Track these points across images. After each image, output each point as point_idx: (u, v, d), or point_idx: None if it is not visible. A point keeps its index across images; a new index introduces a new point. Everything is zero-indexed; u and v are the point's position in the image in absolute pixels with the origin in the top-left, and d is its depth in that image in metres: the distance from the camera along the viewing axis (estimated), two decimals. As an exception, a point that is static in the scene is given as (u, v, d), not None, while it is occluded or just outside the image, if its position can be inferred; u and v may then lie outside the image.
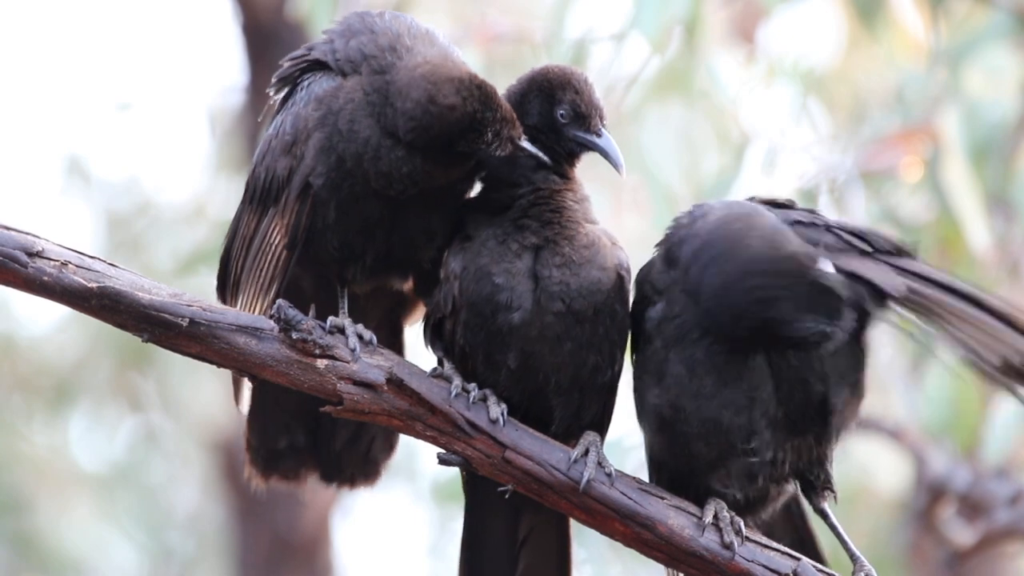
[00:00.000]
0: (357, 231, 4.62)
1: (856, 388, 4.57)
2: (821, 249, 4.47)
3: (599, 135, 4.64)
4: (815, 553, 4.78)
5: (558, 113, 4.62)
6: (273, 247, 4.67)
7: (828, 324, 4.35)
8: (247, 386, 4.84)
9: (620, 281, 4.62)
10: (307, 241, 4.64)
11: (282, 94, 4.76)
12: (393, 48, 4.60)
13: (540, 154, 4.58)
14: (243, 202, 4.79)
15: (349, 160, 4.57)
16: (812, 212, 4.60)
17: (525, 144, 4.55)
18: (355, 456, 4.95)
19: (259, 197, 4.71)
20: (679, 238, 4.56)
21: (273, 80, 4.78)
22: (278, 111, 4.74)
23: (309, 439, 4.93)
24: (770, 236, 4.42)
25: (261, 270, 4.68)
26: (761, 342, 4.43)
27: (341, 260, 4.66)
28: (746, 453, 4.53)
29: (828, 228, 4.55)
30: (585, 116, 4.63)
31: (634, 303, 4.65)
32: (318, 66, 4.68)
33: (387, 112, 4.53)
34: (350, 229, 4.62)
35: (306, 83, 4.67)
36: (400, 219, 4.61)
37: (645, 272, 4.64)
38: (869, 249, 4.52)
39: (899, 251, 4.55)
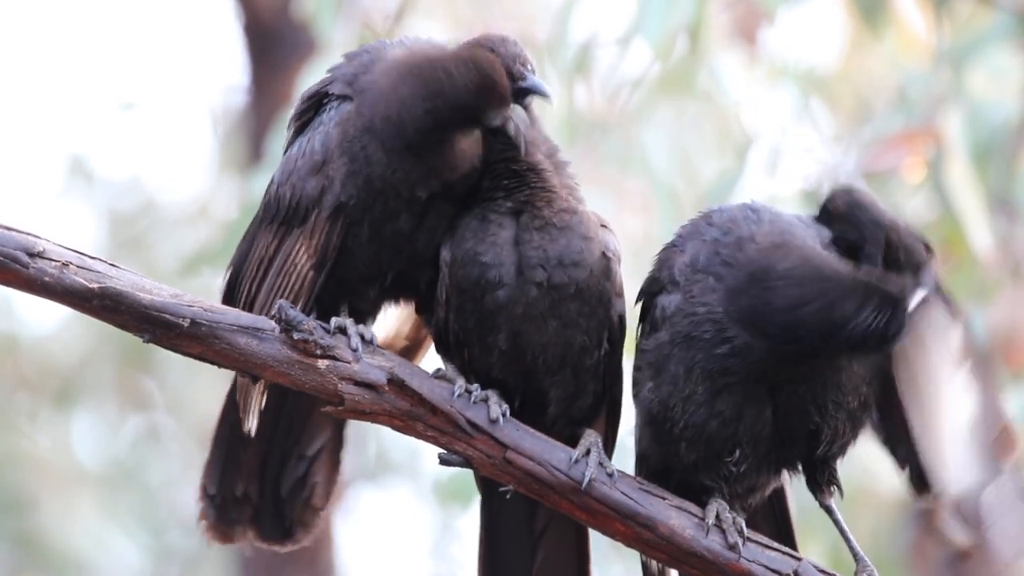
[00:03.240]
0: (388, 248, 4.63)
1: (854, 423, 4.58)
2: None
3: (524, 79, 4.65)
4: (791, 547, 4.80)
5: None
6: (299, 268, 4.66)
7: (890, 318, 4.37)
8: (254, 406, 4.84)
9: (607, 262, 4.62)
10: (335, 261, 4.64)
11: (300, 122, 4.76)
12: (373, 62, 4.65)
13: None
14: (259, 223, 4.77)
15: (376, 181, 4.59)
16: None
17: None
18: (297, 503, 4.95)
19: (282, 218, 4.69)
20: (721, 258, 4.53)
21: (297, 105, 4.78)
22: (301, 132, 4.74)
23: (260, 488, 4.94)
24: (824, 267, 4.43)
25: (283, 291, 4.67)
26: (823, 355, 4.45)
27: (367, 279, 4.67)
28: (728, 463, 4.56)
29: None
30: (506, 67, 4.63)
31: (646, 286, 4.65)
32: (336, 97, 4.70)
33: (376, 124, 4.57)
34: (382, 247, 4.63)
35: (333, 105, 4.68)
36: (420, 233, 4.63)
37: (665, 260, 4.64)
38: None
39: None
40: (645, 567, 4.83)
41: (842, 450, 4.60)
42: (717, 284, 4.49)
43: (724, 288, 4.48)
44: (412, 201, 4.60)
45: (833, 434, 4.55)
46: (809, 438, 4.55)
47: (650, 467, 4.64)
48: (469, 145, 4.59)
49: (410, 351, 4.93)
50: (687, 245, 4.60)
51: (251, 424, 4.79)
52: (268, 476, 4.93)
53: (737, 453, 4.53)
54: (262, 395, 4.77)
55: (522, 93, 4.66)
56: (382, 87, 4.59)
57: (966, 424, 4.53)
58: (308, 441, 4.93)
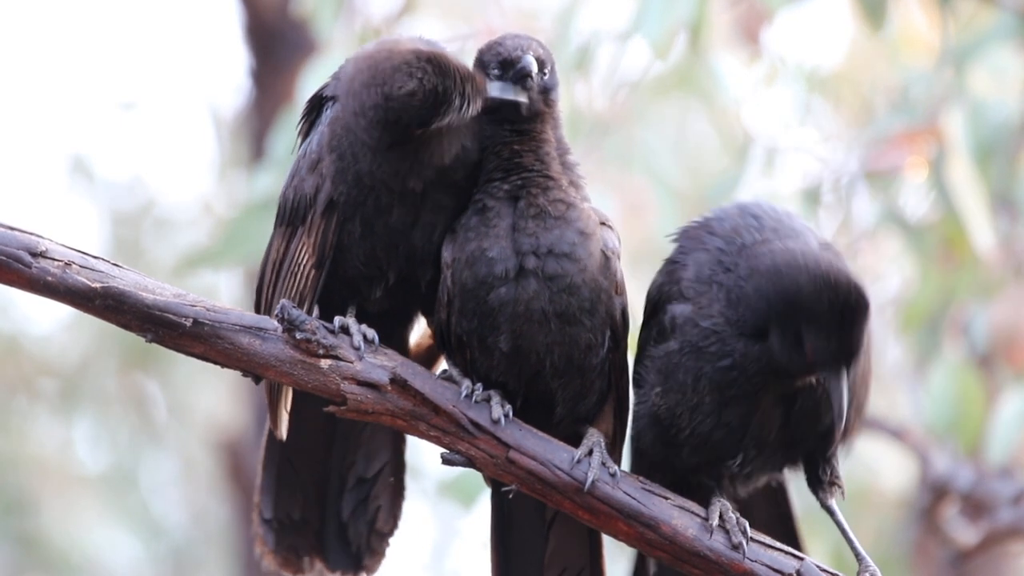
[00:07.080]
0: (383, 245, 4.63)
1: (860, 411, 4.59)
2: None
3: (519, 61, 4.64)
4: (793, 533, 4.80)
5: (492, 74, 4.64)
6: (302, 267, 4.67)
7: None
8: (282, 410, 4.83)
9: (606, 260, 4.61)
10: (334, 259, 4.64)
11: (307, 124, 4.78)
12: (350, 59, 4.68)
13: (509, 96, 4.61)
14: (274, 227, 4.80)
15: (365, 177, 4.59)
16: None
17: (494, 92, 4.59)
18: (362, 526, 4.93)
19: (288, 219, 4.71)
20: (724, 266, 4.53)
21: (303, 110, 4.80)
22: (306, 135, 4.76)
23: (321, 513, 4.91)
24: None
25: (290, 291, 4.67)
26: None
27: (368, 278, 4.67)
28: (730, 466, 4.58)
29: None
30: (510, 59, 4.65)
31: (655, 292, 4.65)
32: (329, 98, 4.73)
33: (350, 122, 4.57)
34: (376, 243, 4.63)
35: (328, 105, 4.70)
36: (416, 230, 4.62)
37: (672, 272, 4.63)
38: None
39: None
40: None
41: (850, 444, 4.62)
42: (719, 293, 4.50)
43: (725, 296, 4.49)
44: (405, 194, 4.59)
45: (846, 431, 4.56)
46: (819, 439, 4.56)
47: (649, 461, 4.64)
48: (453, 131, 4.58)
49: None
50: (689, 259, 4.61)
51: (282, 431, 4.78)
52: (328, 501, 4.91)
53: (740, 457, 4.54)
54: (287, 399, 4.76)
55: (519, 77, 4.64)
56: (345, 87, 4.61)
57: None
58: (366, 463, 4.92)
